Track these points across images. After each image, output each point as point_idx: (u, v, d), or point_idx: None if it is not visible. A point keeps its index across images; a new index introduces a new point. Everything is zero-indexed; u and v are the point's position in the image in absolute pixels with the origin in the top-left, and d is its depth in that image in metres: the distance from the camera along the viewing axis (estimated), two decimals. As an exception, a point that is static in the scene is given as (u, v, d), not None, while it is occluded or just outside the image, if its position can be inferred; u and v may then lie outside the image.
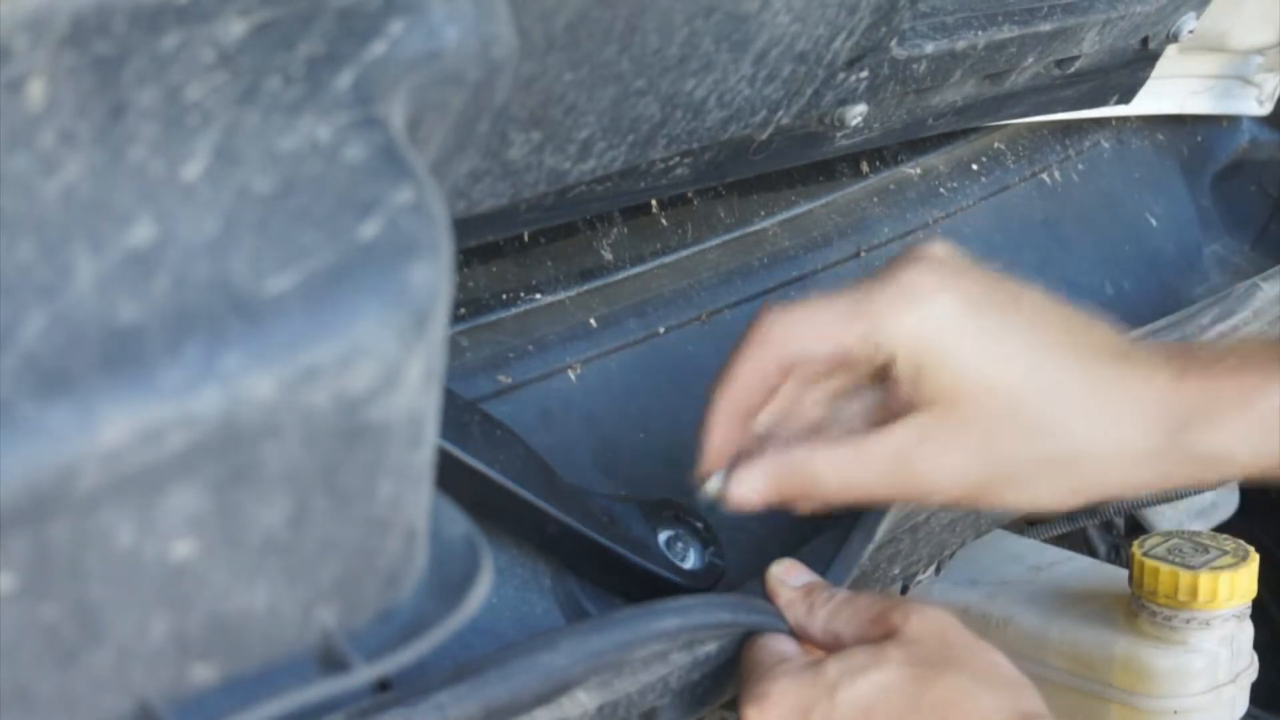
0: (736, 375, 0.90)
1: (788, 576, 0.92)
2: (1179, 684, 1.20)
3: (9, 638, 0.54)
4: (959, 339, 0.88)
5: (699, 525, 0.99)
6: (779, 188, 1.19)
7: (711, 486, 0.92)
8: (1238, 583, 1.19)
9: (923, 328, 0.88)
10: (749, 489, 0.91)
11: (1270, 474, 0.90)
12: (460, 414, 0.90)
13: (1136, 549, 1.22)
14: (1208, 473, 0.92)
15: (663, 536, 0.98)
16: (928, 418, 0.89)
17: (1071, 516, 1.51)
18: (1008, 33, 1.09)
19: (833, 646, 0.89)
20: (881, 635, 0.87)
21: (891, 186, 1.26)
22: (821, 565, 0.94)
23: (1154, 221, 1.42)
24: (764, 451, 0.91)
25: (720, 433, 0.91)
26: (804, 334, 0.89)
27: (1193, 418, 0.89)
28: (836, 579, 0.94)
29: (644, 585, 0.96)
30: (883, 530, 0.97)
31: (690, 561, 0.97)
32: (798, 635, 0.91)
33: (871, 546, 0.96)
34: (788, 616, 0.91)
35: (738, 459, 0.91)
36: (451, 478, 0.83)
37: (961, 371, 0.88)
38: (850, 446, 0.90)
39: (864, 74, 1.01)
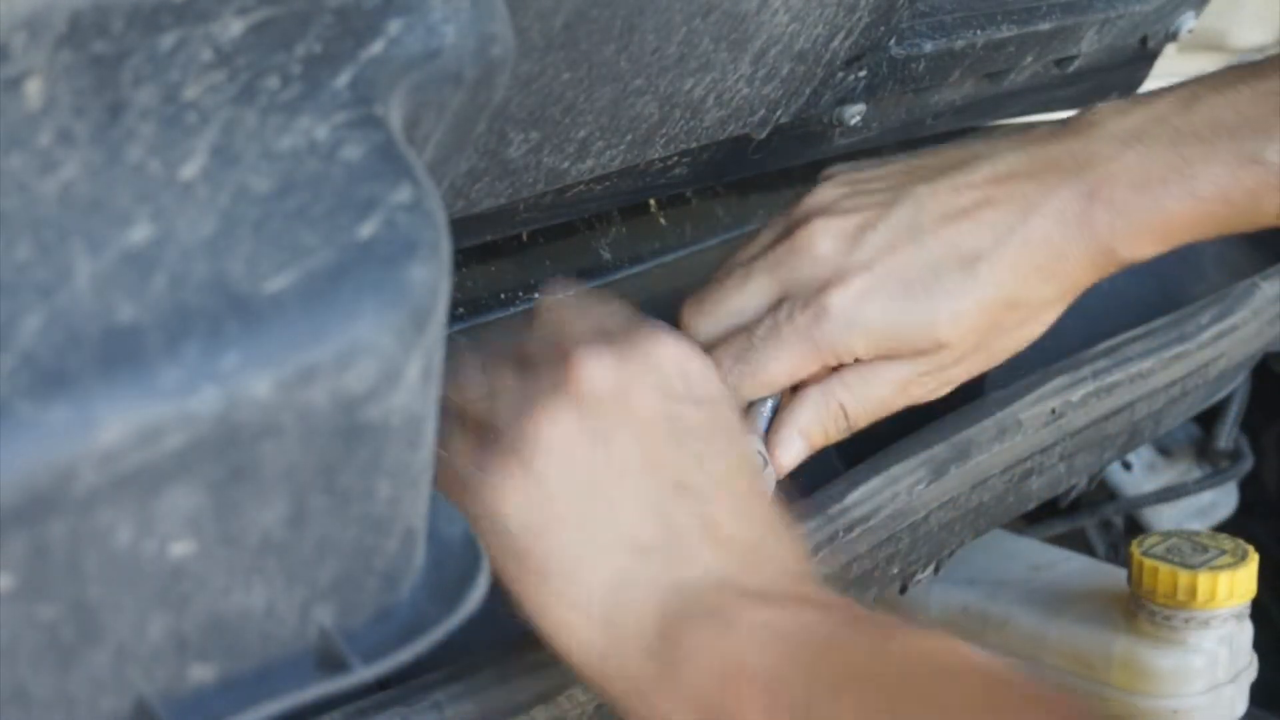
0: None
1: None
2: (1178, 684, 1.20)
3: (7, 638, 0.53)
4: (908, 326, 0.94)
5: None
6: (778, 187, 1.19)
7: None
8: (1237, 582, 1.19)
9: (872, 336, 0.94)
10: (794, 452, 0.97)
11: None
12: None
13: (1135, 548, 1.22)
14: (1118, 270, 0.99)
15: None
16: (918, 362, 0.96)
17: (1072, 516, 1.51)
18: (1006, 32, 1.09)
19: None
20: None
21: (890, 186, 1.26)
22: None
23: (1153, 221, 1.41)
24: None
25: None
26: (770, 387, 0.96)
27: (1113, 243, 0.94)
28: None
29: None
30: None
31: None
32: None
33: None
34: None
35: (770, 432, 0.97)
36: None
37: (923, 340, 0.95)
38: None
39: (863, 73, 1.01)
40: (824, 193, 0.97)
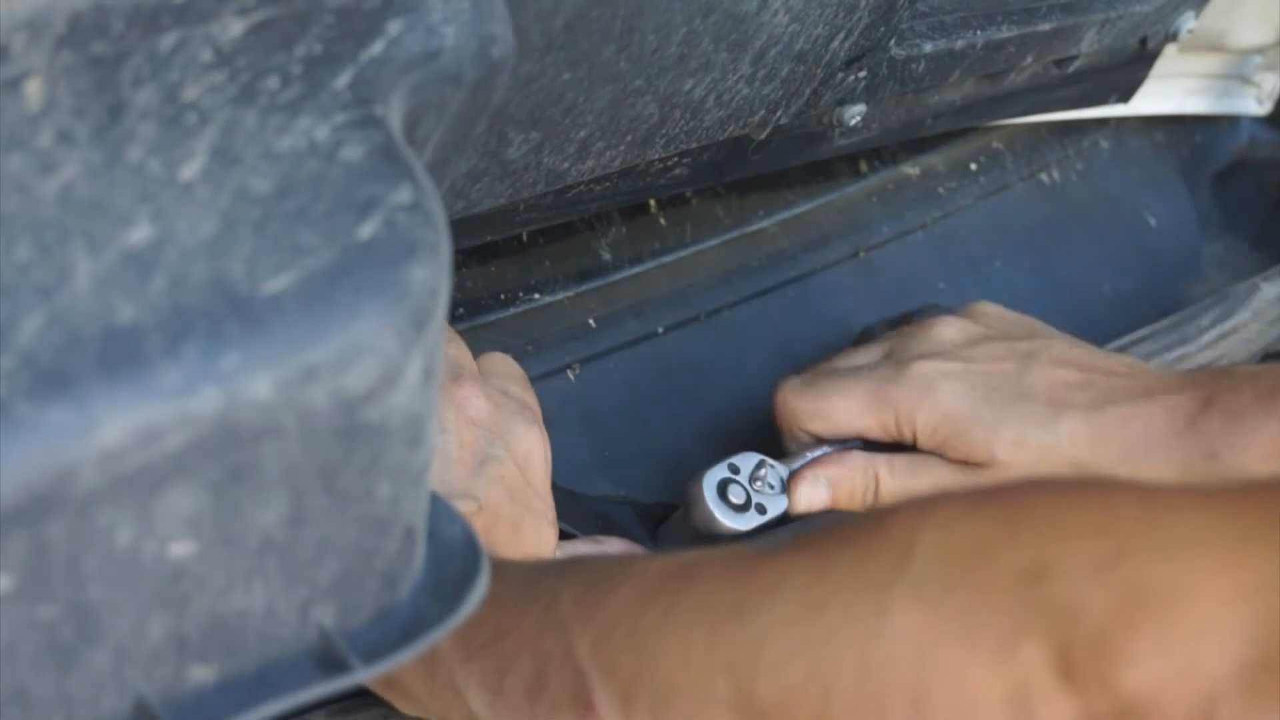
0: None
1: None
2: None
3: (7, 638, 0.53)
4: (972, 424, 0.96)
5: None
6: (778, 188, 1.19)
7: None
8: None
9: (936, 416, 0.96)
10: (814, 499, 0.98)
11: None
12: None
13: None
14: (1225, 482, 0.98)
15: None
16: (964, 474, 0.97)
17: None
18: (1006, 32, 1.08)
19: None
20: None
21: (890, 186, 1.26)
22: None
23: (1153, 221, 1.41)
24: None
25: None
26: (827, 421, 0.98)
27: (1219, 446, 0.93)
28: None
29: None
30: None
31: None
32: None
33: None
34: None
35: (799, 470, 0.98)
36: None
37: (978, 448, 0.96)
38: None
39: (862, 74, 1.01)
40: (976, 306, 1.03)
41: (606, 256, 1.09)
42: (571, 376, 1.05)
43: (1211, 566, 0.57)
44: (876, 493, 0.97)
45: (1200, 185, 1.47)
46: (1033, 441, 0.95)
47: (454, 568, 0.66)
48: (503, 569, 0.77)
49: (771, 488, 0.96)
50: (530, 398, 0.93)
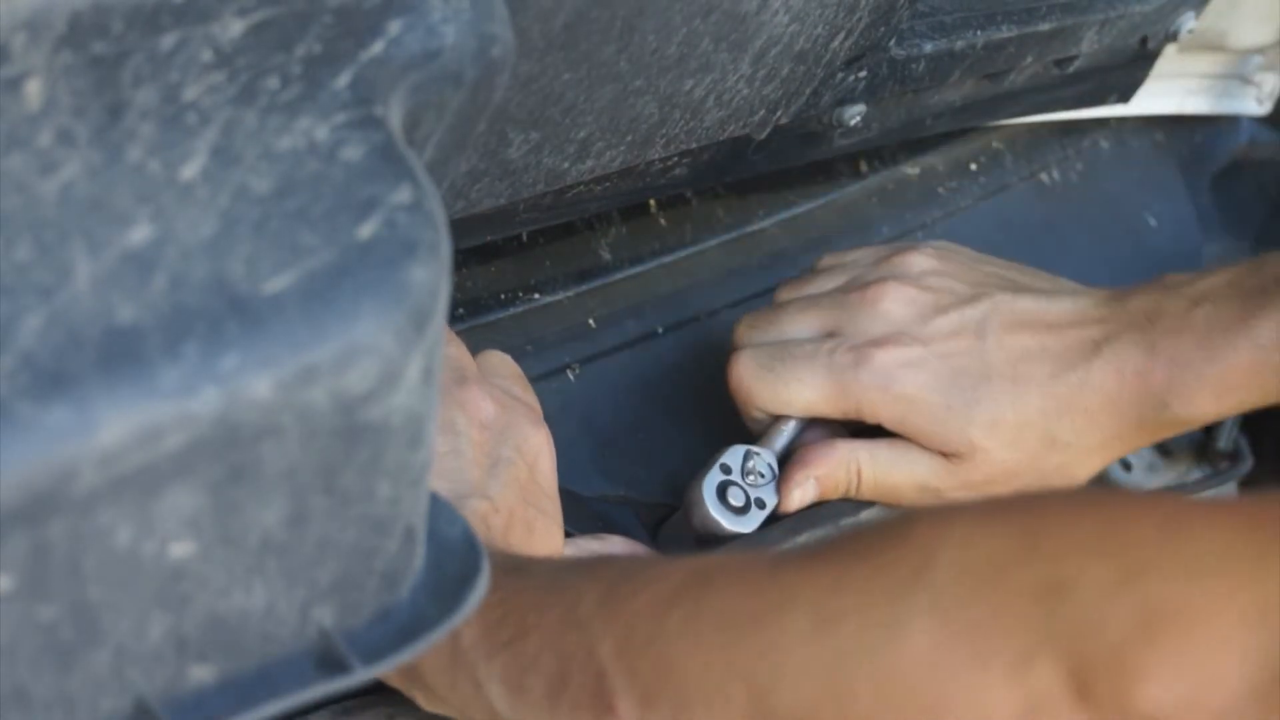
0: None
1: None
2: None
3: (7, 638, 0.53)
4: (943, 412, 0.96)
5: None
6: (778, 188, 1.19)
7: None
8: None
9: (901, 407, 0.96)
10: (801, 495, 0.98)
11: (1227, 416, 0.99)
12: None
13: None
14: (1175, 432, 1.00)
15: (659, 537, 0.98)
16: (945, 463, 0.97)
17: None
18: (1006, 32, 1.08)
19: None
20: None
21: (890, 186, 1.26)
22: None
23: (1154, 221, 1.41)
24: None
25: None
26: (786, 406, 0.98)
27: (1168, 397, 0.95)
28: None
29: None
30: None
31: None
32: None
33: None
34: None
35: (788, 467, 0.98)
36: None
37: (955, 437, 0.96)
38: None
39: (863, 74, 1.01)
40: (912, 261, 1.00)
41: (606, 256, 1.09)
42: (571, 376, 1.05)
43: (1228, 585, 0.57)
44: (859, 483, 0.98)
45: (1200, 185, 1.47)
46: (1007, 420, 0.96)
47: (453, 567, 0.66)
48: (525, 567, 0.77)
49: (762, 476, 0.97)
50: (530, 397, 0.93)
